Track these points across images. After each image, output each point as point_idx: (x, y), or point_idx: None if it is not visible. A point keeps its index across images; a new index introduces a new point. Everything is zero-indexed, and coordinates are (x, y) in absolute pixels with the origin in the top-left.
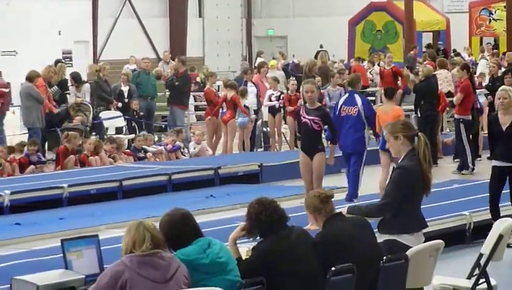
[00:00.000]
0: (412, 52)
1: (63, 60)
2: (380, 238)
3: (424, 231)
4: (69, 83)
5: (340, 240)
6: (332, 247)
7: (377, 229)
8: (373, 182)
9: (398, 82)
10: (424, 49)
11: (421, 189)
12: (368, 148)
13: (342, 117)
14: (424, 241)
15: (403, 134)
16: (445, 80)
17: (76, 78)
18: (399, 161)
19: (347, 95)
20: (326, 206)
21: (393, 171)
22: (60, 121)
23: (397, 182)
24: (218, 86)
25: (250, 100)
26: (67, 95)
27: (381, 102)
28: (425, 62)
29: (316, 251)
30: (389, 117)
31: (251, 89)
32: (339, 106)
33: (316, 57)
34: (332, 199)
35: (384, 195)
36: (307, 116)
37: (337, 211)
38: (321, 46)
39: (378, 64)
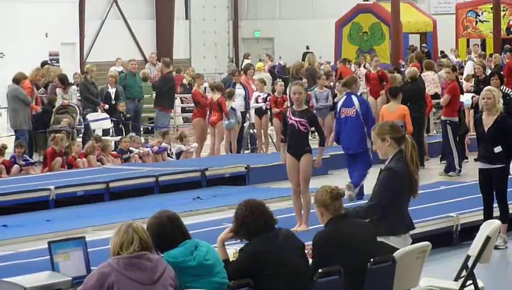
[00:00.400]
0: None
1: (49, 62)
2: None
3: (411, 232)
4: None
5: (339, 241)
6: (330, 247)
7: None
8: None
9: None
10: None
11: (408, 191)
12: None
13: (342, 119)
14: (411, 243)
15: (390, 136)
16: (432, 81)
17: (63, 80)
18: (386, 163)
19: (345, 96)
20: (335, 203)
21: (380, 173)
22: (45, 119)
23: (384, 184)
24: (205, 88)
25: (238, 102)
26: (58, 97)
27: None
28: (411, 64)
29: (314, 248)
30: (394, 116)
31: (239, 91)
32: (338, 108)
33: (303, 58)
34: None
35: (371, 197)
36: (293, 118)
37: (344, 211)
38: (307, 48)
39: (364, 66)
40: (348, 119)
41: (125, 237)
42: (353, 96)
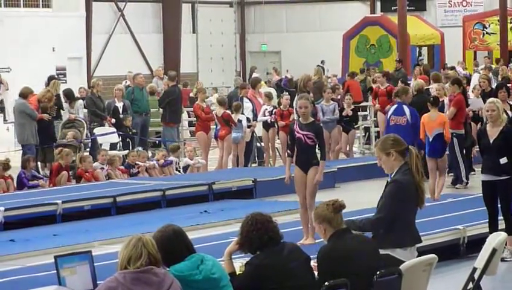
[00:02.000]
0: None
1: (56, 76)
2: None
3: (418, 245)
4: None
5: (343, 256)
6: (335, 261)
7: None
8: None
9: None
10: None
11: (415, 203)
12: (359, 164)
13: (391, 126)
14: (418, 256)
15: (395, 150)
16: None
17: (68, 95)
18: (392, 176)
19: (396, 106)
20: (337, 216)
21: (387, 186)
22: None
23: (391, 196)
24: (211, 102)
25: (246, 116)
26: (61, 111)
27: (374, 117)
28: (418, 76)
29: (319, 263)
30: (435, 124)
31: (247, 105)
32: (388, 116)
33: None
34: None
35: (378, 209)
36: (300, 132)
37: (346, 226)
38: (322, 62)
39: (373, 81)
40: (398, 127)
41: (133, 251)
42: (404, 106)
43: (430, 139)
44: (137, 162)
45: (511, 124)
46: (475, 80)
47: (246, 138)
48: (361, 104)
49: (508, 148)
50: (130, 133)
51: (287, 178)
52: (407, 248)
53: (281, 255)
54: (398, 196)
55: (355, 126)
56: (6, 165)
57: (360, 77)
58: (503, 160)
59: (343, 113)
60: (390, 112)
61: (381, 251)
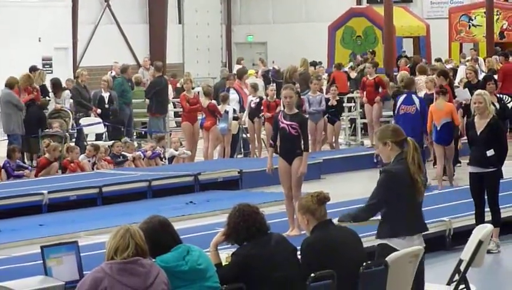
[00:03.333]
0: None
1: (38, 67)
2: (376, 242)
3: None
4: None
5: (327, 247)
6: (319, 253)
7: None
8: (354, 187)
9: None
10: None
11: (411, 192)
12: (345, 155)
13: (401, 115)
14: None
15: (391, 140)
16: (425, 85)
17: (56, 84)
18: (388, 165)
19: (405, 95)
20: (321, 208)
21: (379, 175)
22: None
23: (381, 184)
24: (198, 92)
25: (232, 107)
26: (48, 101)
27: (361, 109)
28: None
29: (302, 255)
30: (442, 113)
31: (233, 97)
32: (397, 106)
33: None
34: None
35: (370, 197)
36: (284, 122)
37: (329, 217)
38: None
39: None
40: (407, 116)
41: (121, 242)
42: (413, 96)
43: (438, 128)
44: (122, 153)
45: (498, 116)
46: (461, 72)
47: (233, 130)
48: (347, 96)
49: (495, 141)
50: (111, 114)
51: (268, 168)
52: (405, 237)
53: (268, 246)
54: (387, 185)
55: (341, 117)
56: None
57: (361, 67)
58: (490, 152)
59: (329, 104)
60: (399, 102)
61: (380, 241)
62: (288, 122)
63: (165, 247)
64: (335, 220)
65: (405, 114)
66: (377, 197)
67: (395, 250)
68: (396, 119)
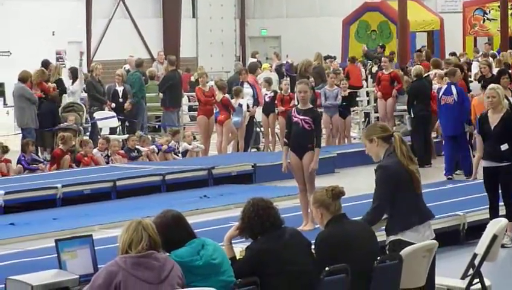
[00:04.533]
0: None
1: (51, 62)
2: (387, 240)
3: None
4: (66, 82)
5: (341, 241)
6: (333, 247)
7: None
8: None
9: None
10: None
11: (410, 184)
12: (359, 149)
13: (442, 106)
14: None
15: (377, 136)
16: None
17: (74, 73)
18: (380, 162)
19: (446, 86)
20: (335, 202)
21: (375, 173)
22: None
23: (380, 183)
24: (213, 86)
25: (247, 101)
26: (63, 96)
27: (375, 103)
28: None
29: (316, 249)
30: (483, 106)
31: (247, 90)
32: (439, 97)
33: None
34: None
35: (373, 200)
36: (298, 116)
37: (343, 212)
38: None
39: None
40: (448, 106)
41: (134, 235)
42: (452, 86)
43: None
44: (137, 147)
45: None
46: (475, 67)
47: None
48: (360, 90)
49: (508, 135)
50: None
51: (284, 167)
52: (415, 226)
53: (282, 240)
54: (385, 181)
55: (353, 111)
56: (4, 148)
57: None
58: (504, 146)
59: (340, 96)
60: (441, 93)
61: (393, 237)
62: (302, 117)
63: (179, 241)
64: None
65: (445, 105)
66: (380, 197)
67: (409, 244)
68: (439, 110)
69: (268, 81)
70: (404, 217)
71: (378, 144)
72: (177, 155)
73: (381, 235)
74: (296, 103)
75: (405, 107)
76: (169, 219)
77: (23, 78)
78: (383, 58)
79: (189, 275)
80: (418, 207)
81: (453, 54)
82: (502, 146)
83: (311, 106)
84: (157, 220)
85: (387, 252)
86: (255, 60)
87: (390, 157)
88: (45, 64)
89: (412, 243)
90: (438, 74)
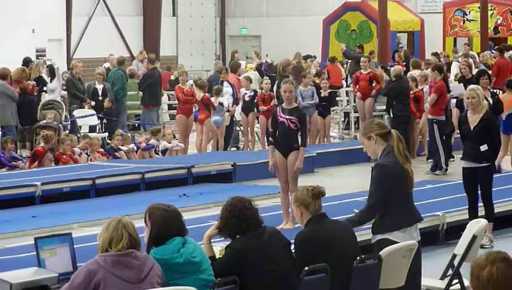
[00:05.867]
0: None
1: (32, 60)
2: (374, 239)
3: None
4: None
5: (321, 240)
6: (313, 247)
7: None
8: (348, 181)
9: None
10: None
11: (405, 183)
12: (338, 149)
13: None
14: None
15: (375, 133)
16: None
17: (52, 70)
18: (377, 160)
19: None
20: (315, 202)
21: (372, 171)
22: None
23: (376, 180)
24: (192, 85)
25: (226, 100)
26: (43, 93)
27: (354, 103)
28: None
29: (296, 248)
30: (509, 104)
31: (227, 90)
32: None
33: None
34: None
35: (368, 197)
36: (283, 116)
37: (323, 211)
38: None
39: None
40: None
41: (114, 234)
42: None
43: (504, 118)
44: (119, 146)
45: (491, 111)
46: (454, 68)
47: (226, 122)
48: (339, 89)
49: (488, 136)
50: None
51: (270, 166)
52: (406, 228)
53: (262, 239)
54: (382, 180)
55: (332, 110)
56: None
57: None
58: (484, 147)
59: (321, 95)
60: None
61: (380, 236)
62: (288, 117)
63: (168, 238)
64: None
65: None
66: (375, 196)
67: (396, 243)
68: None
69: (248, 79)
70: (395, 217)
71: (376, 142)
72: (158, 154)
73: (363, 235)
74: (276, 103)
75: (384, 106)
76: (174, 214)
77: (3, 75)
78: (362, 58)
79: (169, 273)
80: (409, 208)
81: (435, 53)
82: (481, 147)
83: (296, 104)
84: (161, 213)
85: (373, 250)
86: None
87: (388, 157)
88: (26, 62)
89: (398, 243)
90: (422, 74)
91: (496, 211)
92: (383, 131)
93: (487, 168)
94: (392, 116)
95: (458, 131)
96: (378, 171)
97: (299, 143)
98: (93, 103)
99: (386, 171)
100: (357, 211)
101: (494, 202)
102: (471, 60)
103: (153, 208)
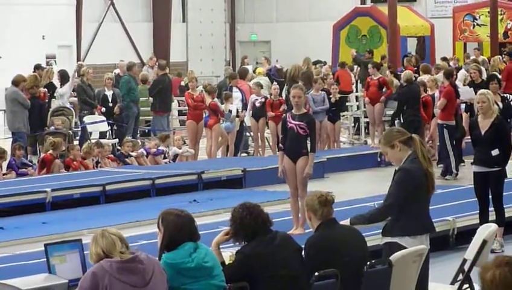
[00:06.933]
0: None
1: (42, 65)
2: (382, 241)
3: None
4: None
5: (331, 246)
6: (322, 252)
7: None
8: (358, 186)
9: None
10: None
11: (425, 191)
12: (348, 154)
13: None
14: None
15: (399, 140)
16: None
17: (64, 76)
18: (401, 165)
19: None
20: (323, 209)
21: (395, 174)
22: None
23: (399, 183)
24: (202, 90)
25: (236, 106)
26: (53, 99)
27: (364, 108)
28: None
29: (306, 254)
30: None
31: (236, 95)
32: None
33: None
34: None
35: (386, 197)
36: (293, 121)
37: (333, 216)
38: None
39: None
40: None
41: (105, 242)
42: None
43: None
44: (129, 153)
45: (502, 116)
46: (461, 74)
47: (235, 128)
48: (349, 94)
49: (499, 140)
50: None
51: (280, 172)
52: (417, 236)
53: (273, 245)
54: (405, 183)
55: (342, 116)
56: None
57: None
58: (495, 152)
59: (331, 100)
60: None
61: (390, 239)
62: (297, 122)
63: (179, 243)
64: (346, 221)
65: None
66: (393, 198)
67: (405, 249)
68: None
69: (259, 85)
70: (410, 223)
71: (401, 149)
72: (168, 159)
73: (373, 240)
74: (286, 108)
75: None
76: (187, 220)
77: (17, 81)
78: (369, 65)
79: (180, 277)
80: (424, 216)
81: (444, 58)
82: (492, 151)
83: (305, 110)
84: (174, 218)
85: (383, 252)
86: (245, 65)
87: (413, 162)
88: (37, 68)
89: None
90: (432, 79)
91: (506, 215)
92: (405, 137)
93: (498, 172)
94: (402, 121)
95: (469, 136)
96: (402, 175)
97: (308, 149)
98: (103, 109)
99: (410, 176)
100: (376, 205)
101: (504, 206)
102: (483, 68)
103: (166, 213)
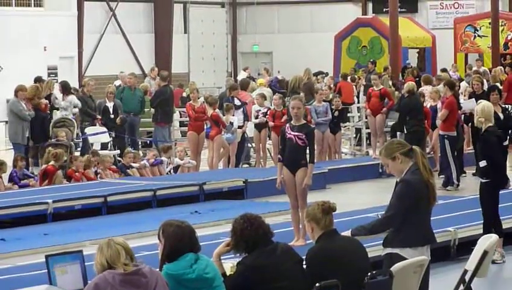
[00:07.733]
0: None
1: (43, 78)
2: (383, 252)
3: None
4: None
5: (332, 257)
6: (324, 263)
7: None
8: (360, 197)
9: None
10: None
11: (426, 202)
12: (350, 165)
13: None
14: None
15: (400, 152)
16: (430, 95)
17: (65, 86)
18: (402, 176)
19: None
20: (326, 218)
21: (396, 185)
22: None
23: (400, 195)
24: (204, 102)
25: (237, 117)
26: (54, 111)
27: (366, 119)
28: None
29: (307, 265)
30: None
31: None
32: None
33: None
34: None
35: (387, 208)
36: (292, 132)
37: (334, 227)
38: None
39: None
40: None
41: (111, 252)
42: None
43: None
44: (131, 164)
45: (503, 126)
46: (464, 85)
47: (237, 139)
48: (351, 106)
49: (485, 152)
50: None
51: (278, 183)
52: (418, 247)
53: (274, 256)
54: (406, 195)
55: (344, 126)
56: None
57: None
58: (482, 163)
59: (334, 113)
60: None
61: (391, 250)
62: (296, 133)
63: (181, 254)
64: (347, 233)
65: None
66: (395, 209)
67: (406, 259)
68: None
69: (263, 96)
70: (411, 234)
71: (402, 161)
72: (169, 171)
73: (373, 251)
74: (288, 119)
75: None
76: (188, 231)
77: (16, 91)
78: (372, 76)
79: (181, 288)
80: (425, 228)
81: (444, 70)
82: (480, 163)
83: (304, 121)
84: (174, 229)
85: (383, 263)
86: (245, 74)
87: (415, 174)
88: (37, 80)
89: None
90: (435, 90)
91: (506, 226)
92: (406, 149)
93: (485, 185)
94: (405, 132)
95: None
96: (403, 186)
97: (307, 160)
98: (102, 121)
99: (411, 188)
100: (380, 215)
101: (504, 217)
102: (484, 79)
103: (167, 224)
